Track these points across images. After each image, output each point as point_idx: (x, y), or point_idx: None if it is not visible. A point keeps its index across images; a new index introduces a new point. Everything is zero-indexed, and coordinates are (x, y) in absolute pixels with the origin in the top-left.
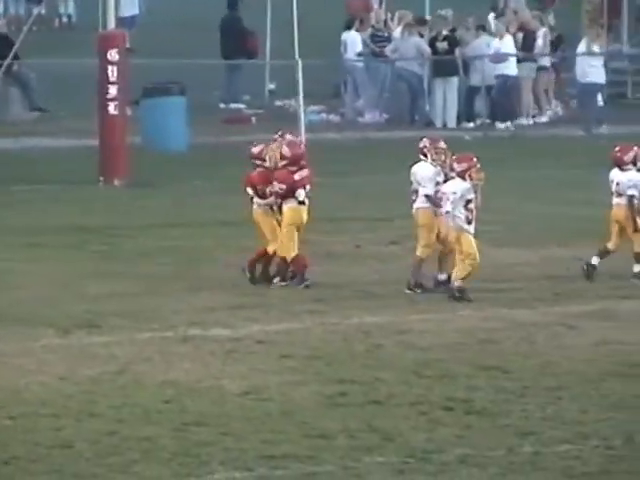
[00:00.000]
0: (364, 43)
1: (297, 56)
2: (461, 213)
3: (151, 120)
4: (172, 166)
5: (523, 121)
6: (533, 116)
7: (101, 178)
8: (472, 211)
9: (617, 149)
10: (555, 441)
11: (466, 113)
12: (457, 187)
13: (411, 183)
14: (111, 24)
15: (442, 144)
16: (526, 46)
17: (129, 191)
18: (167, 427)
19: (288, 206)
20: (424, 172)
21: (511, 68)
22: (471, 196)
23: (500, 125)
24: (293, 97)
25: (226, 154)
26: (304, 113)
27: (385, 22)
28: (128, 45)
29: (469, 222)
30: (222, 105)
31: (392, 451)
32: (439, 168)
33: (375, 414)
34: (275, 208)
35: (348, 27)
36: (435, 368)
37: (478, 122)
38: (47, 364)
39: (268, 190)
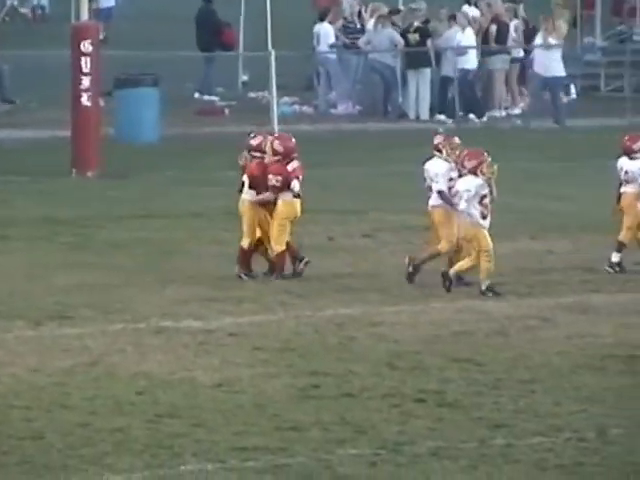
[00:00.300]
0: (337, 35)
1: (270, 48)
2: (476, 209)
3: (124, 111)
4: (145, 157)
5: (496, 113)
6: (506, 108)
7: (74, 169)
8: (487, 206)
9: (626, 138)
10: (528, 433)
11: (439, 104)
12: (470, 184)
13: (424, 180)
14: (84, 15)
15: (457, 140)
16: (500, 38)
17: (101, 182)
18: (139, 419)
19: (283, 200)
20: (437, 168)
21: (471, 62)
22: (485, 192)
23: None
24: (266, 89)
25: (199, 145)
26: (277, 105)
27: (360, 14)
28: (102, 36)
29: (484, 217)
30: (197, 95)
31: (364, 443)
32: (452, 164)
33: (348, 406)
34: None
35: (321, 19)
36: (408, 360)
37: (450, 119)
38: (19, 356)
39: (262, 195)
